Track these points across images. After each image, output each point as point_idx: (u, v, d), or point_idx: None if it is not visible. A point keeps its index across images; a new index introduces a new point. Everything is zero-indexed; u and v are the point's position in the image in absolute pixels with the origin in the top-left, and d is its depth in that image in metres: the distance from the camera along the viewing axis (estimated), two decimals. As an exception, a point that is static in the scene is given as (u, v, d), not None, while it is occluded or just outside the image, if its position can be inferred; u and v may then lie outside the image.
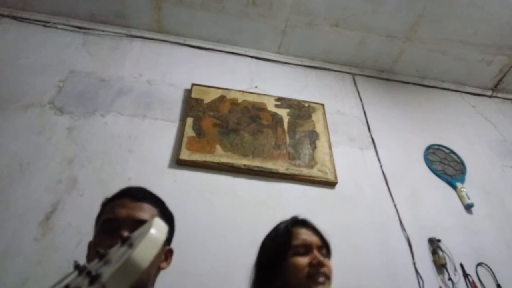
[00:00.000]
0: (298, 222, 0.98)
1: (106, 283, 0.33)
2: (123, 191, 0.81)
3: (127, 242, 0.38)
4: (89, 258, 0.73)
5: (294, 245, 0.90)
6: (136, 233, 0.41)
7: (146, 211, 0.76)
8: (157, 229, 0.38)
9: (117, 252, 0.39)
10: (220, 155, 1.76)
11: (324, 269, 0.86)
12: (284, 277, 0.87)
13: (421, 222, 1.79)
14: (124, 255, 0.35)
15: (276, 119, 2.02)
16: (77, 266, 0.39)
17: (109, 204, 0.80)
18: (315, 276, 0.84)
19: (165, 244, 0.80)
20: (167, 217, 0.82)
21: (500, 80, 2.62)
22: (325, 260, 0.88)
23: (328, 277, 0.86)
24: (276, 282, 0.89)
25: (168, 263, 0.81)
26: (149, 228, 0.38)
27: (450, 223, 1.82)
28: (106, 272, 0.34)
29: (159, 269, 0.78)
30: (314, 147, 1.93)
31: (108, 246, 0.67)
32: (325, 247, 0.94)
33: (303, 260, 0.86)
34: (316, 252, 0.88)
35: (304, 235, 0.93)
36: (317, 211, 1.70)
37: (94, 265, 0.40)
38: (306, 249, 0.89)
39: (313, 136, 1.98)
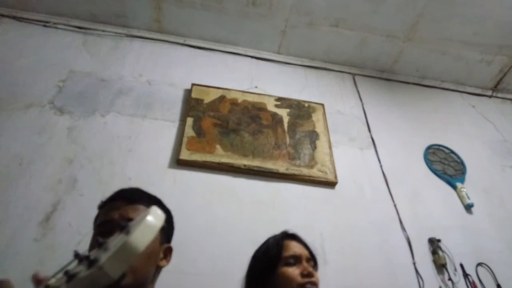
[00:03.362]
0: (288, 236, 1.04)
1: (103, 264, 0.35)
2: (116, 193, 0.81)
3: (124, 230, 0.39)
4: None
5: (285, 256, 0.94)
6: (133, 221, 0.42)
7: (139, 212, 0.75)
8: (154, 216, 0.40)
9: (115, 240, 0.40)
10: (220, 155, 1.76)
11: (313, 279, 0.91)
12: (275, 287, 0.91)
13: (421, 222, 1.79)
14: (121, 241, 0.36)
15: (276, 119, 2.02)
16: (77, 255, 0.40)
17: (104, 207, 0.80)
18: (306, 285, 0.89)
19: (164, 242, 0.80)
20: None
21: (500, 80, 2.62)
22: (314, 272, 0.94)
23: (317, 286, 0.91)
24: None
25: (168, 261, 0.80)
26: (145, 215, 0.39)
27: (450, 223, 1.82)
28: (104, 256, 0.36)
29: (158, 267, 0.77)
30: (314, 147, 1.93)
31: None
32: (313, 259, 0.99)
33: (294, 271, 0.91)
34: (305, 263, 0.94)
35: (295, 247, 0.98)
36: (317, 211, 1.71)
37: (93, 253, 0.41)
38: (296, 260, 0.94)
39: (313, 136, 1.98)
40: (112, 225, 0.73)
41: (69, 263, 0.43)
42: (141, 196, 0.80)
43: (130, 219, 0.72)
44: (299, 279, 0.89)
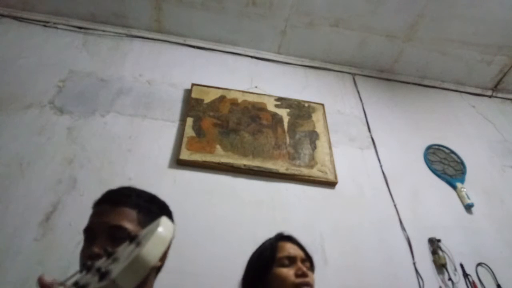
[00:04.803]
0: (283, 237, 1.03)
1: (115, 279, 0.34)
2: (103, 196, 0.80)
3: (135, 241, 0.39)
4: (80, 264, 0.72)
5: (279, 257, 0.94)
6: (144, 232, 0.42)
7: (122, 215, 0.74)
8: (165, 227, 0.39)
9: (125, 250, 0.40)
10: (220, 155, 1.76)
11: (307, 279, 0.90)
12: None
13: (421, 222, 1.79)
14: (133, 253, 0.36)
15: (276, 119, 2.02)
16: (84, 264, 0.40)
17: (93, 210, 0.79)
18: (301, 285, 0.88)
19: None
20: (153, 214, 0.78)
21: (500, 80, 2.62)
22: (309, 272, 0.93)
23: (312, 287, 0.91)
24: None
25: (162, 261, 0.79)
26: (156, 226, 0.39)
27: (450, 223, 1.82)
28: (116, 269, 0.35)
29: (152, 268, 0.76)
30: (314, 147, 1.93)
31: (88, 256, 0.68)
32: (308, 260, 0.98)
33: (289, 271, 0.91)
34: (300, 264, 0.93)
35: (290, 248, 0.97)
36: (317, 211, 1.71)
37: (102, 263, 0.41)
38: (291, 261, 0.94)
39: (313, 136, 1.98)
40: (94, 232, 0.73)
41: (76, 272, 0.43)
42: (128, 197, 0.78)
43: (113, 226, 0.72)
44: (293, 279, 0.89)
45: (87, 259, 0.68)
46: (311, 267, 0.98)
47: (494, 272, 1.67)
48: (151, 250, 0.36)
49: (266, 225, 1.59)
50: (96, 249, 0.69)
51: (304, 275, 0.90)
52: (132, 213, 0.76)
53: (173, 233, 0.40)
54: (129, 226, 0.73)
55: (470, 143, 2.26)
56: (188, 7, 2.24)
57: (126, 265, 0.34)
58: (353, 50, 2.46)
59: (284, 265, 0.92)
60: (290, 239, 1.03)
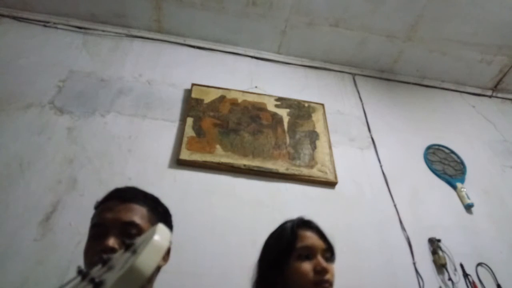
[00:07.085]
0: (304, 224, 0.96)
1: None
2: (110, 193, 0.80)
3: (130, 248, 0.38)
4: (85, 264, 0.72)
5: (298, 247, 0.88)
6: (140, 239, 0.41)
7: (134, 211, 0.75)
8: (161, 235, 0.38)
9: (120, 258, 0.39)
10: (220, 155, 1.76)
11: (328, 276, 0.85)
12: (287, 281, 0.87)
13: (421, 222, 1.79)
14: (128, 262, 0.35)
15: (276, 119, 2.02)
16: (80, 272, 0.40)
17: (98, 208, 0.79)
18: (320, 284, 0.83)
19: None
20: (160, 213, 0.81)
21: (500, 80, 2.62)
22: (329, 266, 0.87)
23: (331, 284, 0.85)
24: (277, 285, 0.88)
25: (166, 261, 0.80)
26: (152, 234, 0.38)
27: (450, 223, 1.82)
28: (110, 279, 0.35)
29: (157, 268, 0.77)
30: (314, 147, 1.93)
31: (98, 252, 0.68)
32: (329, 250, 0.92)
33: (307, 266, 0.85)
34: (320, 257, 0.87)
35: (309, 238, 0.91)
36: (317, 211, 1.70)
37: (97, 271, 0.40)
38: (310, 252, 0.88)
39: (313, 136, 1.98)
40: (106, 227, 0.72)
41: (71, 280, 0.42)
42: (135, 195, 0.79)
43: (125, 222, 0.72)
44: (311, 276, 0.84)
45: (98, 253, 0.67)
46: (331, 257, 0.92)
47: (494, 272, 1.67)
48: (146, 260, 0.35)
49: (266, 225, 1.58)
50: (110, 243, 0.68)
51: (323, 271, 0.84)
52: (143, 210, 0.76)
53: (170, 241, 0.40)
54: (141, 222, 0.74)
55: (470, 143, 2.26)
56: (188, 7, 2.24)
57: (120, 276, 0.34)
58: (353, 50, 2.46)
59: (302, 258, 0.87)
60: (310, 226, 0.96)
